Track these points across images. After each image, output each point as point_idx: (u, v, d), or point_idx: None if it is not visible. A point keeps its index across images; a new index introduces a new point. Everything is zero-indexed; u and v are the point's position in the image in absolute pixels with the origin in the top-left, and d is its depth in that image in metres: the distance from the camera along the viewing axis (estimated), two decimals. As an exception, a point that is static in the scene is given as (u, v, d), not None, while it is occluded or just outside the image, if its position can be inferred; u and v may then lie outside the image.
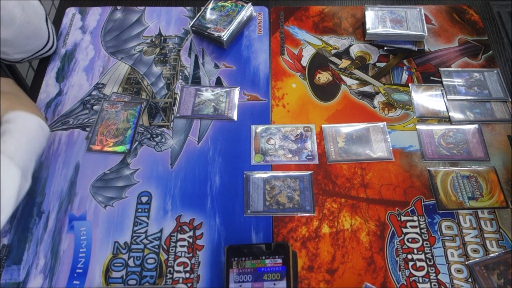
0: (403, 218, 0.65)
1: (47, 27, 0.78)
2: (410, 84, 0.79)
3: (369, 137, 0.73)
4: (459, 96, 0.77)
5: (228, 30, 0.82)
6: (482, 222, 0.65)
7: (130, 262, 0.63)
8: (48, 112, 0.77)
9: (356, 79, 0.80)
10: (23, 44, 0.74)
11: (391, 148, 0.72)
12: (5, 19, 0.67)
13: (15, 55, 0.75)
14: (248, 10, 0.86)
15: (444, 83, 0.79)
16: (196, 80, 0.81)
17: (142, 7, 0.91)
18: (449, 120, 0.74)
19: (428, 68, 0.81)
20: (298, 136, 0.73)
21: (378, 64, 0.82)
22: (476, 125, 0.74)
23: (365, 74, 0.81)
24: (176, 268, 0.62)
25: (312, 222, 0.66)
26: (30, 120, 0.61)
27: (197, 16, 0.86)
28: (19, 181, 0.55)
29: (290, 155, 0.71)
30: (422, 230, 0.64)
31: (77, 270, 0.62)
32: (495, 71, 0.80)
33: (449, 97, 0.77)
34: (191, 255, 0.63)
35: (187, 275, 0.62)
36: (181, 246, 0.64)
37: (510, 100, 0.76)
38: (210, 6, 0.86)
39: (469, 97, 0.77)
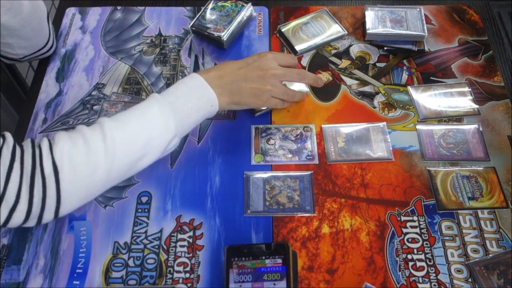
0: (403, 218, 0.65)
1: (49, 26, 0.78)
2: (408, 86, 0.79)
3: (369, 137, 0.73)
4: (378, 29, 0.82)
5: (228, 30, 0.82)
6: (482, 222, 0.65)
7: (130, 262, 0.63)
8: (48, 112, 0.77)
9: (356, 79, 0.80)
10: (28, 36, 0.74)
11: (391, 148, 0.72)
12: (15, 5, 0.67)
13: (18, 50, 0.75)
14: (248, 10, 0.86)
15: (366, 16, 0.84)
16: (196, 80, 0.80)
17: (142, 7, 0.91)
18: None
19: (428, 68, 0.81)
20: (298, 136, 0.73)
21: (378, 64, 0.82)
22: (476, 125, 0.74)
23: (365, 74, 0.81)
24: (176, 268, 0.62)
25: (312, 222, 0.66)
26: None
27: (197, 16, 0.86)
28: (173, 133, 0.59)
29: (290, 155, 0.71)
30: (422, 230, 0.64)
31: (77, 270, 0.62)
32: (418, 9, 0.84)
33: (368, 29, 0.82)
34: (191, 255, 0.63)
35: (187, 275, 0.62)
36: (181, 246, 0.64)
37: (426, 35, 0.81)
38: (210, 6, 0.86)
39: (387, 30, 0.82)
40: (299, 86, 0.78)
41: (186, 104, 0.60)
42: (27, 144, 0.54)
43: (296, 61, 0.72)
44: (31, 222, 0.54)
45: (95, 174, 0.54)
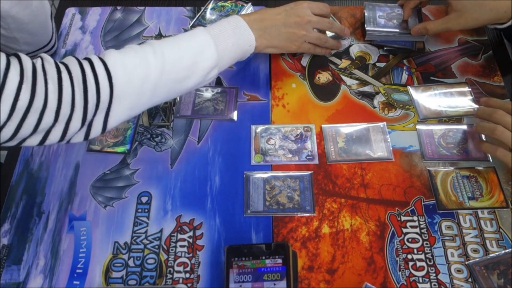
0: (403, 218, 0.65)
1: (52, 24, 0.78)
2: (408, 86, 0.79)
3: (369, 137, 0.73)
4: (377, 28, 0.83)
5: (228, 30, 0.82)
6: (482, 222, 0.65)
7: (130, 262, 0.63)
8: (48, 112, 0.77)
9: (356, 79, 0.80)
10: (34, 31, 0.74)
11: (391, 148, 0.72)
12: None
13: (23, 45, 0.75)
14: (248, 10, 0.86)
15: (365, 15, 0.85)
16: (196, 80, 0.80)
17: (142, 7, 0.91)
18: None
19: (428, 68, 0.81)
20: (298, 136, 0.73)
21: (378, 64, 0.82)
22: (476, 125, 0.74)
23: (365, 74, 0.81)
24: (176, 268, 0.62)
25: (312, 222, 0.66)
26: None
27: (197, 16, 0.86)
28: (214, 63, 0.63)
29: (290, 155, 0.71)
30: (422, 230, 0.64)
31: (77, 270, 0.62)
32: (416, 9, 0.84)
33: (367, 28, 0.83)
34: (191, 255, 0.63)
35: (187, 275, 0.62)
36: (181, 246, 0.64)
37: (425, 35, 0.82)
38: (210, 6, 0.86)
39: (387, 29, 0.83)
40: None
41: (228, 39, 0.64)
42: (69, 59, 0.55)
43: (329, 9, 0.77)
44: (79, 136, 0.55)
45: (145, 83, 0.56)
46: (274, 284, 0.55)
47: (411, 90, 0.78)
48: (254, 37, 0.67)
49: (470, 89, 0.78)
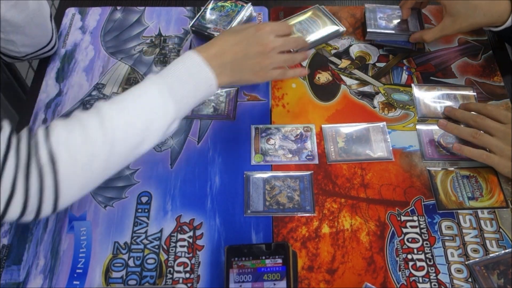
0: (403, 218, 0.65)
1: (51, 24, 0.78)
2: (412, 84, 0.79)
3: (369, 137, 0.73)
4: (378, 30, 0.83)
5: (228, 30, 0.82)
6: (482, 222, 0.65)
7: (130, 262, 0.63)
8: (48, 112, 0.77)
9: (356, 79, 0.80)
10: (32, 34, 0.74)
11: (391, 148, 0.72)
12: (20, 1, 0.67)
13: (21, 47, 0.75)
14: (248, 10, 0.85)
15: (366, 16, 0.85)
16: (196, 80, 0.80)
17: (142, 7, 0.91)
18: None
19: (428, 68, 0.81)
20: (298, 136, 0.73)
21: (378, 64, 0.82)
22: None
23: (365, 74, 0.81)
24: (176, 268, 0.62)
25: (312, 222, 0.66)
26: None
27: (197, 16, 0.86)
28: (173, 116, 0.57)
29: (290, 155, 0.71)
30: (422, 230, 0.64)
31: (77, 271, 0.62)
32: (416, 10, 0.84)
33: (369, 30, 0.83)
34: (191, 255, 0.63)
35: (187, 275, 0.62)
36: (181, 246, 0.64)
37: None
38: (210, 6, 0.86)
39: (388, 31, 0.83)
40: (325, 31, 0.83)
41: (185, 85, 0.58)
42: (23, 133, 0.52)
43: (292, 28, 0.75)
44: (29, 216, 0.51)
45: (94, 162, 0.52)
46: (274, 284, 0.55)
47: (414, 88, 0.78)
48: (214, 76, 0.60)
49: (475, 94, 0.77)
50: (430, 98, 0.77)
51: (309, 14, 0.87)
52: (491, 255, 0.62)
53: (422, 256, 0.62)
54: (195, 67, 0.59)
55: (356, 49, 0.84)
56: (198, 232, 0.65)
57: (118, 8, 0.91)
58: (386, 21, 0.84)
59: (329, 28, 0.85)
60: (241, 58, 0.63)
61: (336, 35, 0.85)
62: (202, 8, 0.87)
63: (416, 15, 0.84)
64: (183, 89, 0.58)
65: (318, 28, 0.85)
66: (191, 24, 0.85)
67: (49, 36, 0.78)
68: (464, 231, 0.64)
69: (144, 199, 0.68)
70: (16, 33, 0.71)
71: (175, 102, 0.57)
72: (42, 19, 0.74)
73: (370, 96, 0.78)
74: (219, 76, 0.60)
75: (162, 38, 0.87)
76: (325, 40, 0.84)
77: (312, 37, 0.83)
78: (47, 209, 0.51)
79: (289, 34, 0.69)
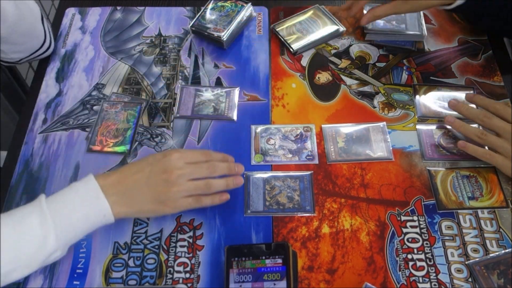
0: (403, 218, 0.65)
1: (43, 27, 0.78)
2: (413, 84, 0.79)
3: (369, 137, 0.73)
4: (377, 28, 0.83)
5: (228, 30, 0.82)
6: (482, 222, 0.65)
7: (130, 262, 0.63)
8: (48, 112, 0.77)
9: (356, 79, 0.80)
10: (19, 42, 0.74)
11: (391, 148, 0.72)
12: None
13: (12, 54, 0.75)
14: (247, 10, 0.86)
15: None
16: (196, 80, 0.81)
17: (142, 7, 0.91)
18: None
19: (428, 68, 0.81)
20: (298, 136, 0.73)
21: (378, 64, 0.82)
22: (476, 124, 0.74)
23: (365, 74, 0.81)
24: (176, 268, 0.62)
25: (312, 222, 0.66)
26: None
27: (197, 16, 0.86)
28: (54, 247, 0.53)
29: (290, 155, 0.71)
30: (422, 230, 0.64)
31: (77, 271, 0.62)
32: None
33: (366, 30, 0.83)
34: (191, 255, 0.63)
35: (187, 275, 0.62)
36: (181, 246, 0.64)
37: (425, 35, 0.82)
38: (210, 6, 0.86)
39: (386, 30, 0.83)
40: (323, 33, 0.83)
41: (73, 214, 0.54)
42: None
43: (208, 156, 0.62)
44: None
45: None
46: (274, 284, 0.55)
47: (414, 88, 0.78)
48: (109, 205, 0.55)
49: (475, 93, 0.77)
50: (430, 98, 0.77)
51: (309, 14, 0.87)
52: (491, 255, 0.62)
53: (422, 256, 0.62)
54: (89, 195, 0.55)
55: (356, 49, 0.84)
56: (198, 232, 0.65)
57: (118, 8, 0.91)
58: (384, 21, 0.84)
59: (329, 28, 0.85)
60: (142, 185, 0.57)
61: (336, 34, 0.85)
62: (202, 8, 0.87)
63: (416, 14, 0.84)
64: (71, 218, 0.54)
65: (318, 28, 0.85)
66: (191, 24, 0.85)
67: (41, 39, 0.78)
68: (464, 231, 0.64)
69: (144, 199, 0.68)
70: (2, 43, 0.71)
71: (58, 232, 0.53)
72: (27, 27, 0.73)
73: (370, 96, 0.78)
74: (114, 206, 0.56)
75: (162, 38, 0.87)
76: (325, 40, 0.84)
77: (312, 37, 0.83)
78: None
79: (204, 161, 0.61)
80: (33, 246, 0.52)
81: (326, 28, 0.85)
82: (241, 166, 0.64)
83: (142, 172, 0.58)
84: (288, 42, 0.83)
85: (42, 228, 0.52)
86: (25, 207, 0.54)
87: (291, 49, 0.83)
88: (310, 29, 0.84)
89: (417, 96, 0.77)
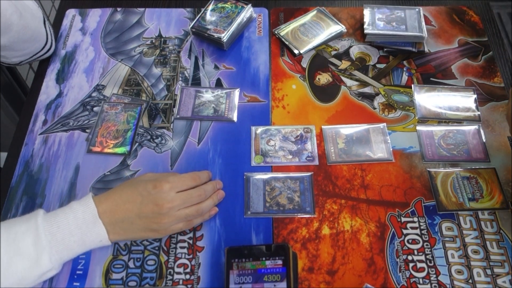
0: (403, 219, 0.65)
1: (45, 29, 0.78)
2: (412, 85, 0.79)
3: (369, 138, 0.73)
4: (377, 30, 0.83)
5: (228, 32, 0.82)
6: (482, 223, 0.65)
7: (130, 264, 0.63)
8: (48, 113, 0.77)
9: (356, 80, 0.80)
10: (21, 48, 0.74)
11: (391, 149, 0.72)
12: (3, 27, 0.66)
13: (14, 58, 0.75)
14: (248, 11, 0.86)
15: (364, 17, 0.84)
16: (196, 82, 0.81)
17: (142, 9, 0.91)
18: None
19: (428, 69, 0.81)
20: (298, 137, 0.73)
21: (378, 65, 0.82)
22: (476, 126, 0.74)
23: (365, 75, 0.81)
24: (176, 269, 0.62)
25: (312, 223, 0.66)
26: None
27: (197, 17, 0.86)
28: (48, 266, 0.55)
29: (290, 156, 0.71)
30: (423, 231, 0.64)
31: (77, 272, 0.62)
32: (417, 9, 0.84)
33: (366, 31, 0.83)
34: (191, 256, 0.63)
35: (187, 276, 0.62)
36: (181, 247, 0.64)
37: (425, 36, 0.81)
38: (210, 7, 0.86)
39: (386, 31, 0.82)
40: None
41: (70, 237, 0.55)
42: None
43: (197, 180, 0.64)
44: None
45: None
46: (274, 285, 0.55)
47: (415, 89, 0.78)
48: (105, 232, 0.57)
49: (475, 96, 0.77)
50: (430, 99, 0.77)
51: (311, 16, 0.87)
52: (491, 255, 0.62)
53: (423, 257, 0.62)
54: (86, 220, 0.57)
55: (356, 50, 0.84)
56: (198, 234, 0.65)
57: (118, 9, 0.91)
58: (384, 22, 0.84)
59: (332, 29, 0.85)
60: (133, 217, 0.58)
61: (339, 35, 0.85)
62: (202, 10, 0.87)
63: (415, 15, 0.84)
64: (67, 240, 0.55)
65: (322, 30, 0.85)
66: (191, 26, 0.85)
67: (43, 42, 0.78)
68: (464, 232, 0.64)
69: (144, 200, 0.68)
70: (4, 51, 0.71)
71: (53, 253, 0.54)
72: (30, 34, 0.73)
73: (370, 97, 0.78)
74: (110, 233, 0.58)
75: (162, 39, 0.87)
76: (329, 41, 0.85)
77: (317, 40, 0.84)
78: None
79: (197, 185, 0.63)
80: (26, 264, 0.53)
81: (330, 29, 0.85)
82: (220, 182, 0.68)
83: (134, 203, 0.59)
84: (295, 46, 0.83)
85: (37, 249, 0.53)
86: (21, 224, 0.55)
87: (297, 53, 0.83)
88: (315, 32, 0.85)
89: (417, 98, 0.77)
